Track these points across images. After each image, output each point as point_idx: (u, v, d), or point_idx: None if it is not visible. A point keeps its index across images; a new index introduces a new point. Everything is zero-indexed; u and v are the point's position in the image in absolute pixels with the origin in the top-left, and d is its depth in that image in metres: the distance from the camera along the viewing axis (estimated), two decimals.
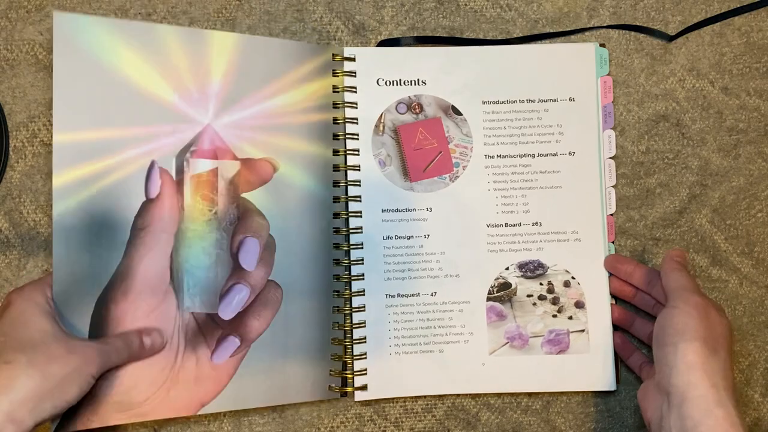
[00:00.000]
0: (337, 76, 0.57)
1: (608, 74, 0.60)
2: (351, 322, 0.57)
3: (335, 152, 0.57)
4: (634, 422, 0.59)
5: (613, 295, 0.58)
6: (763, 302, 0.61)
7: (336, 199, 0.56)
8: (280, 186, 0.54)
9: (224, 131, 0.52)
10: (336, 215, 0.56)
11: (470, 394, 0.59)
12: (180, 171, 0.51)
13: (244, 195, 0.53)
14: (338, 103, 0.57)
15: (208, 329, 0.52)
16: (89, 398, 0.47)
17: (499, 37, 0.60)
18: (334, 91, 0.57)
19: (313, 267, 0.55)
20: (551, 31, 0.60)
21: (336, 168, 0.57)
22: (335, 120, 0.57)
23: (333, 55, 0.57)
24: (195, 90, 0.51)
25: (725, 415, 0.45)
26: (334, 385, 0.56)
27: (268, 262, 0.53)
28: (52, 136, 0.56)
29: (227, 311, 0.52)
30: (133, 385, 0.49)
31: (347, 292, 0.57)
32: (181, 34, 0.51)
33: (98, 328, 0.48)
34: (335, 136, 0.57)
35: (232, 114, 0.52)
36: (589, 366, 0.58)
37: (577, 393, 0.59)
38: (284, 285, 0.54)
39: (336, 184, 0.57)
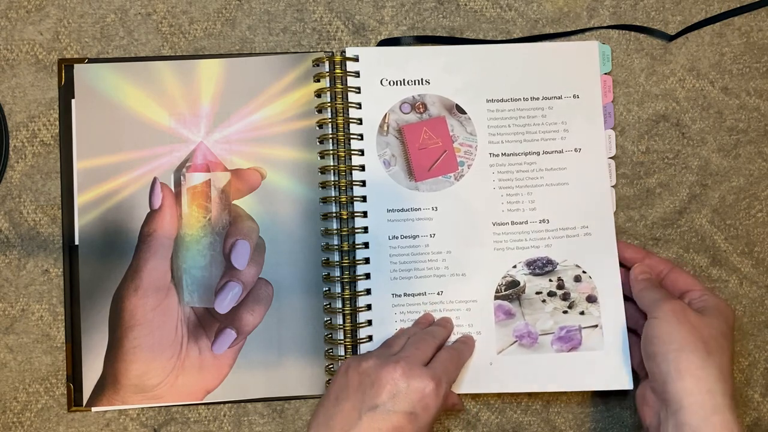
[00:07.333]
0: (319, 81, 0.58)
1: (609, 73, 0.60)
2: (355, 321, 0.57)
3: (321, 155, 0.58)
4: (633, 422, 0.59)
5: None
6: (763, 302, 0.61)
7: (324, 200, 0.58)
8: (268, 192, 0.58)
9: (215, 147, 0.58)
10: (325, 216, 0.58)
11: (470, 394, 0.59)
12: (178, 184, 0.58)
13: (235, 202, 0.58)
14: (321, 107, 0.58)
15: (207, 322, 0.57)
16: (111, 381, 0.56)
17: (499, 38, 0.60)
18: (316, 96, 0.58)
19: (304, 266, 0.58)
20: (551, 31, 0.60)
21: (324, 170, 0.58)
22: (321, 123, 0.58)
23: (313, 61, 0.58)
24: (188, 113, 0.58)
25: (722, 421, 0.45)
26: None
27: (258, 262, 0.58)
28: (52, 136, 0.57)
29: (222, 306, 0.57)
30: (145, 370, 0.56)
31: (347, 292, 0.57)
32: (174, 66, 0.58)
33: (116, 320, 0.56)
34: (321, 140, 0.58)
35: (221, 131, 0.58)
36: (603, 363, 0.57)
37: (577, 393, 0.59)
38: (275, 283, 0.58)
39: (324, 185, 0.57)
